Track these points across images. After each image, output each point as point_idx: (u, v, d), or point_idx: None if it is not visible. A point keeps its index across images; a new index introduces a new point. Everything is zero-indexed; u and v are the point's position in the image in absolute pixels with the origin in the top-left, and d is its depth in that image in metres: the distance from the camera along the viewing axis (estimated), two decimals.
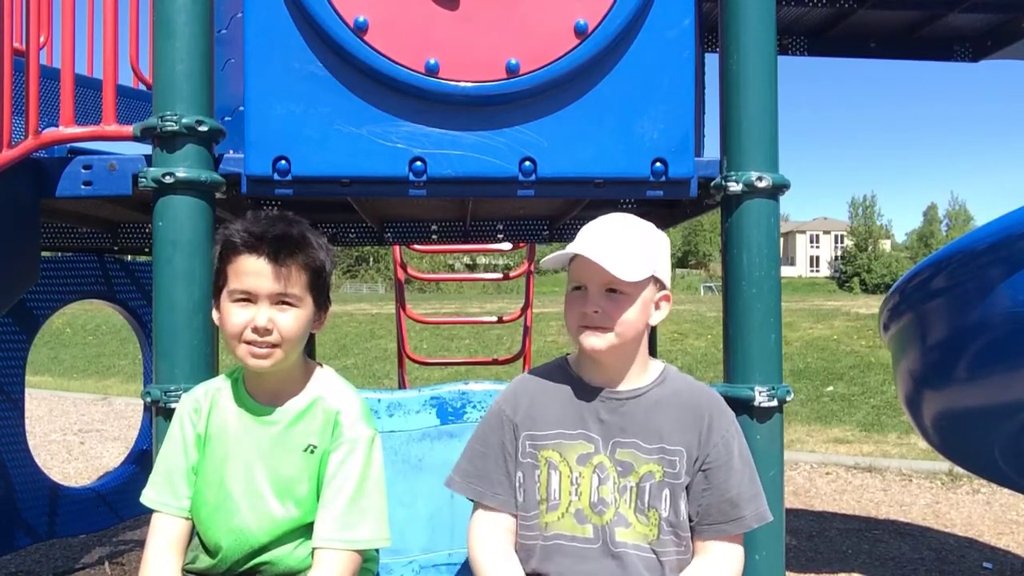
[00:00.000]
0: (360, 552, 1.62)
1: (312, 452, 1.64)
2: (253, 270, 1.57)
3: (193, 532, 1.69)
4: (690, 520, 1.64)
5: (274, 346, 1.59)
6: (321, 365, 1.77)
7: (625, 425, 1.65)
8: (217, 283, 1.64)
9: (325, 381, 1.72)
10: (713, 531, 1.62)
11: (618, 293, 1.61)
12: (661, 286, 1.68)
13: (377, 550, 1.82)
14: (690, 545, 1.64)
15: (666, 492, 1.62)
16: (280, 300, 1.59)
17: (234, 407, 1.68)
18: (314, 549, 1.61)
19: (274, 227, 1.60)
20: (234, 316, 1.58)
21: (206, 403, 1.69)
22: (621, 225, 1.68)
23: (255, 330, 1.57)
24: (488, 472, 1.69)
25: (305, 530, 1.64)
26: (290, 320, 1.59)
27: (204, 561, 1.67)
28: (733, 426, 1.68)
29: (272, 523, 1.63)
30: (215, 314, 1.66)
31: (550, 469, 1.65)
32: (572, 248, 1.62)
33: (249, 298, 1.58)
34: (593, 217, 1.73)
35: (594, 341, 1.62)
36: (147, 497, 1.66)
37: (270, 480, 1.63)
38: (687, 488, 1.63)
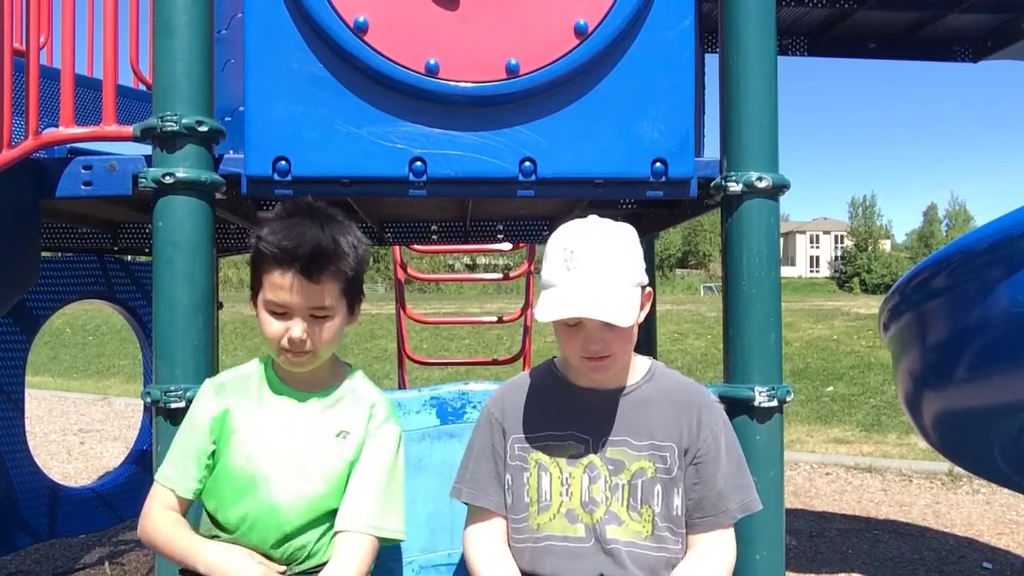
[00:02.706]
0: (379, 541, 1.64)
1: (344, 438, 1.67)
2: (286, 285, 1.58)
3: (199, 513, 1.70)
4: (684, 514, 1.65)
5: (310, 351, 1.63)
6: (349, 364, 1.81)
7: (615, 423, 1.65)
8: (253, 283, 1.66)
9: (355, 376, 1.78)
10: (704, 524, 1.64)
11: (616, 326, 1.56)
12: (643, 287, 1.64)
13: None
14: (684, 539, 1.65)
15: (658, 488, 1.62)
16: (313, 313, 1.61)
17: (264, 390, 1.71)
18: (337, 533, 1.62)
19: (304, 238, 1.57)
20: (271, 326, 1.62)
21: (233, 386, 1.71)
22: (600, 257, 1.57)
23: (290, 341, 1.60)
24: (480, 475, 1.70)
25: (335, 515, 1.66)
26: (325, 331, 1.63)
27: (225, 537, 1.65)
28: (721, 419, 1.69)
29: (303, 503, 1.63)
30: (252, 308, 1.69)
31: (540, 471, 1.65)
32: (564, 311, 1.54)
33: (284, 311, 1.61)
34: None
35: (605, 374, 1.64)
36: (162, 474, 1.67)
37: (302, 461, 1.64)
38: (681, 482, 1.63)
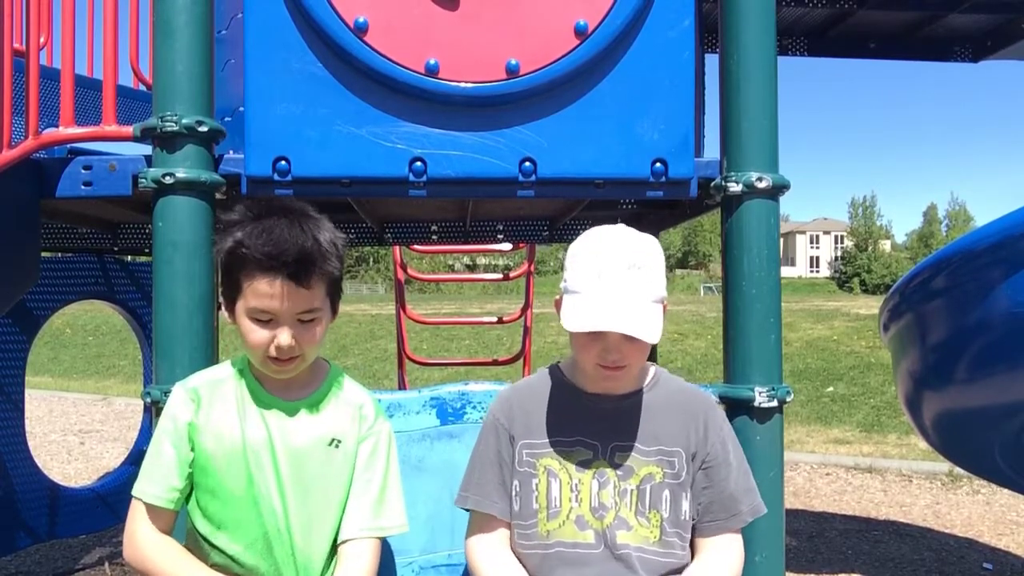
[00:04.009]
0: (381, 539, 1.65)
1: (337, 447, 1.62)
2: (274, 293, 1.49)
3: (183, 527, 1.65)
4: (692, 519, 1.65)
5: (298, 357, 1.56)
6: (327, 361, 1.73)
7: (622, 429, 1.65)
8: (229, 291, 1.56)
9: (337, 376, 1.71)
10: (714, 528, 1.65)
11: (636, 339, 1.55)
12: (663, 302, 1.63)
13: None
14: (690, 545, 1.66)
15: (666, 493, 1.63)
16: (301, 318, 1.54)
17: (245, 398, 1.62)
18: (345, 541, 1.60)
19: (287, 242, 1.49)
20: (255, 334, 1.53)
21: (207, 391, 1.62)
22: (631, 269, 1.55)
23: (278, 349, 1.53)
24: (485, 482, 1.69)
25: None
26: (314, 333, 1.56)
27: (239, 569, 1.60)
28: (726, 424, 1.72)
29: (309, 527, 1.59)
30: (225, 315, 1.60)
31: (549, 477, 1.65)
32: (597, 323, 1.52)
33: (269, 318, 1.53)
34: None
35: (617, 384, 1.63)
36: (142, 490, 1.60)
37: (300, 481, 1.59)
38: (690, 487, 1.64)
